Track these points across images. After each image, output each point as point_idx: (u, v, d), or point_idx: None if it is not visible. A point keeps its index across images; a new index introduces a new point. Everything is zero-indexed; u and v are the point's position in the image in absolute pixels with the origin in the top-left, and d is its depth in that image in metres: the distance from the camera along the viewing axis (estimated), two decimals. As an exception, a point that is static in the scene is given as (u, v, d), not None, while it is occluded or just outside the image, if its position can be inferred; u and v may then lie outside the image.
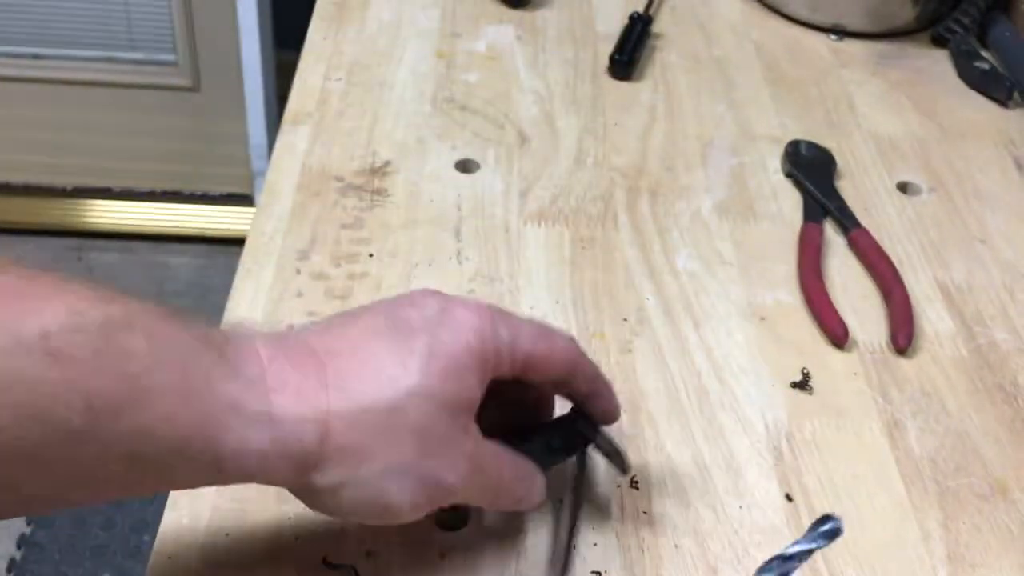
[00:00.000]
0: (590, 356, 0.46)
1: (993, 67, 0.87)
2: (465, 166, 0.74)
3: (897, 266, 0.67)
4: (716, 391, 0.58)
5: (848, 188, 0.75)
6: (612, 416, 0.47)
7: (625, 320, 0.62)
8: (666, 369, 0.59)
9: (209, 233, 1.88)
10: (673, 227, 0.70)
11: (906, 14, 0.92)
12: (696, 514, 0.52)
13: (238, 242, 0.68)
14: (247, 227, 0.67)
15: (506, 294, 0.64)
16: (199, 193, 1.93)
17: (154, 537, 0.48)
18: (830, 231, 0.71)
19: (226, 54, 1.75)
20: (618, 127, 0.79)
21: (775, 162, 0.77)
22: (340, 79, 0.81)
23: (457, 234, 0.68)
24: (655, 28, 0.90)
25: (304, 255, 0.64)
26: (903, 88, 0.87)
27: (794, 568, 0.36)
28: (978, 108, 0.85)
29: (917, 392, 0.60)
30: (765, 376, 0.60)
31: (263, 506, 0.50)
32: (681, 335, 0.62)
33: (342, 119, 0.77)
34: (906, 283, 0.66)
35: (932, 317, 0.65)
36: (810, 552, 0.35)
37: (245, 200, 1.89)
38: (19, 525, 1.43)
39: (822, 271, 0.67)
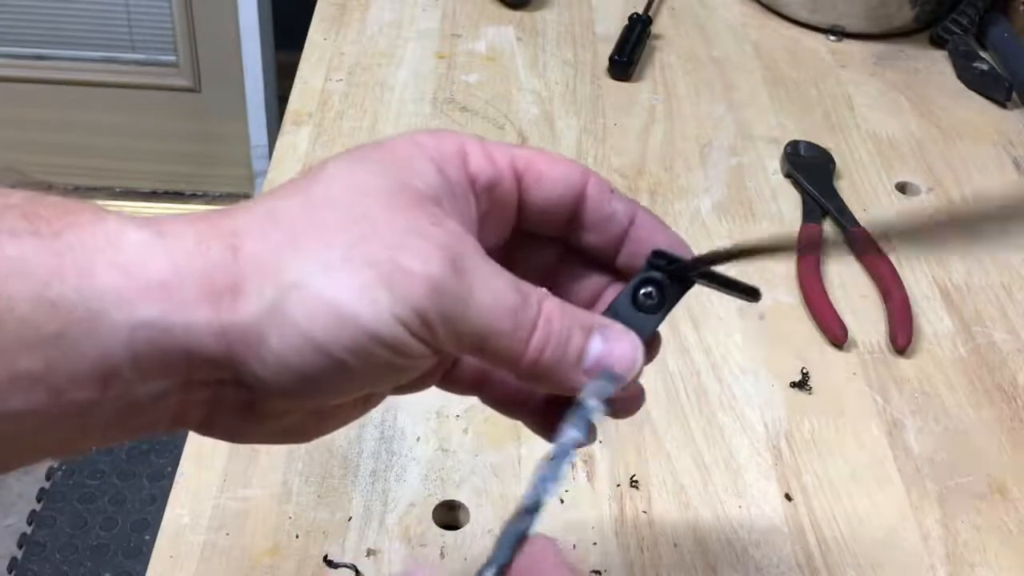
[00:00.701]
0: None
1: (992, 67, 0.87)
2: (465, 167, 0.74)
3: (896, 266, 0.67)
4: (715, 391, 0.59)
5: (847, 188, 0.75)
6: (676, 241, 0.37)
7: (625, 320, 0.63)
8: (665, 369, 0.60)
9: (210, 233, 1.88)
10: (672, 227, 0.69)
11: (905, 15, 0.92)
12: (696, 514, 0.52)
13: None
14: (248, 227, 0.67)
15: (506, 294, 0.64)
16: (200, 193, 1.93)
17: (155, 536, 0.48)
18: (829, 231, 0.71)
19: (227, 55, 1.75)
20: (617, 128, 0.79)
21: (774, 162, 0.77)
22: (341, 80, 0.81)
23: (457, 234, 0.68)
24: (654, 29, 0.90)
25: (305, 255, 0.65)
26: (902, 88, 0.87)
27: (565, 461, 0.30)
28: (977, 108, 0.85)
29: (916, 392, 0.60)
30: (764, 376, 0.60)
31: (263, 506, 0.50)
32: (680, 334, 0.62)
33: (343, 120, 0.77)
34: (905, 283, 0.66)
35: (931, 317, 0.65)
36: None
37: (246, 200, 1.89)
38: (20, 524, 1.43)
39: (821, 271, 0.67)
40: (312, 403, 0.32)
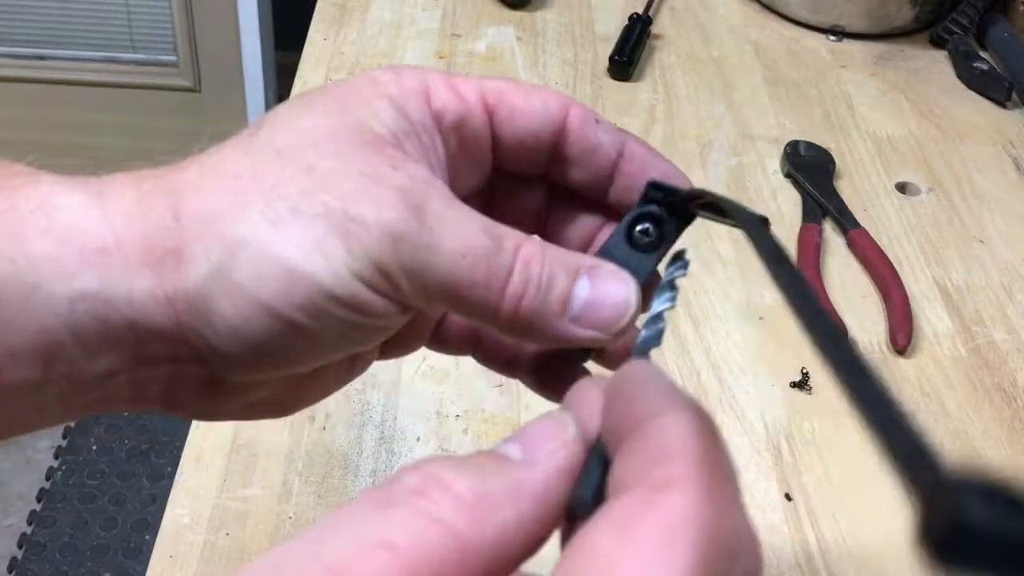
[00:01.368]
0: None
1: (992, 67, 0.87)
2: (465, 167, 0.74)
3: (896, 266, 0.67)
4: (715, 391, 0.59)
5: (847, 188, 0.75)
6: (672, 171, 0.33)
7: (624, 320, 0.63)
8: (665, 369, 0.59)
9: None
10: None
11: (905, 15, 0.92)
12: (695, 513, 0.52)
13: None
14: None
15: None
16: (200, 193, 1.93)
17: (155, 537, 0.48)
18: (829, 231, 0.71)
19: (227, 55, 1.75)
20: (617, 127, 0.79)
21: (774, 162, 0.77)
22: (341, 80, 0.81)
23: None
24: (654, 29, 0.90)
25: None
26: (902, 88, 0.87)
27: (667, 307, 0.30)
28: (977, 108, 0.85)
29: (916, 392, 0.60)
30: (764, 376, 0.60)
31: (263, 506, 0.50)
32: (680, 334, 0.62)
33: (342, 120, 0.77)
34: (905, 283, 0.66)
35: (931, 317, 0.65)
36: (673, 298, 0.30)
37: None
38: (20, 524, 1.43)
39: (821, 271, 0.67)
40: (275, 373, 0.29)
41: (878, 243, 0.69)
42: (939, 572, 0.12)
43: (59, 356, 0.26)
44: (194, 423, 0.53)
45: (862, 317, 0.64)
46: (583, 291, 0.28)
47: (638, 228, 0.32)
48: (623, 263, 0.30)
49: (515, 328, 0.28)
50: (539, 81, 0.83)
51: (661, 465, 0.20)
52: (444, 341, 0.35)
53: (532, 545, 0.21)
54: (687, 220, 0.32)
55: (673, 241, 0.32)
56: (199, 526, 0.49)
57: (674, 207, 0.32)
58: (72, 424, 1.54)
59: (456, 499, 0.20)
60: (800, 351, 0.62)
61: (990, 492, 0.12)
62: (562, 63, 0.86)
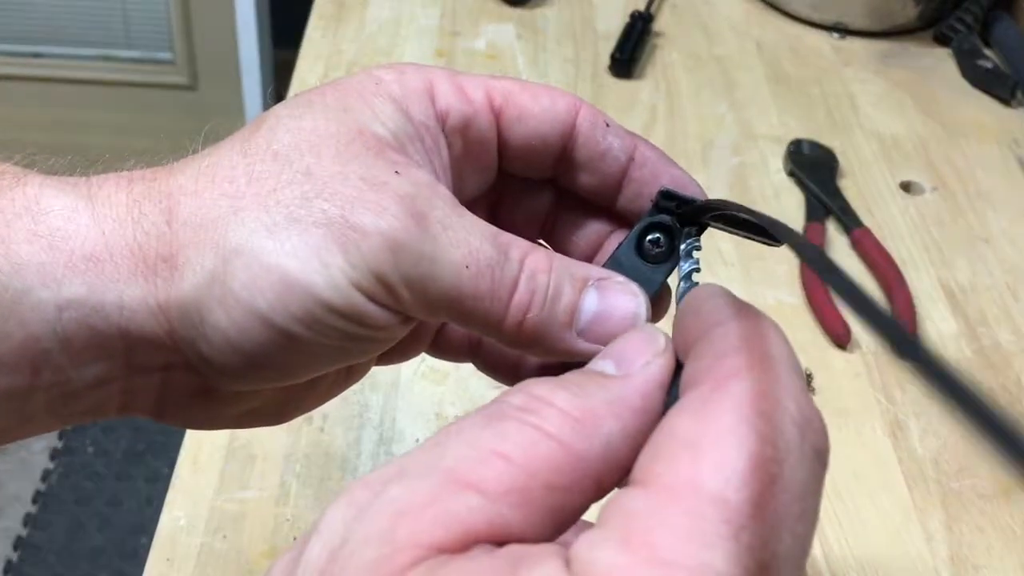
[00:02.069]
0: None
1: (996, 65, 0.87)
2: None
3: (900, 266, 0.67)
4: (718, 392, 0.58)
5: (850, 187, 0.74)
6: (684, 179, 0.32)
7: (626, 320, 0.62)
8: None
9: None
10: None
11: (908, 12, 0.92)
12: (698, 516, 0.51)
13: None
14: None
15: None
16: (197, 192, 1.93)
17: (151, 539, 0.48)
18: (832, 231, 0.71)
19: (224, 52, 1.75)
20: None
21: (777, 162, 0.76)
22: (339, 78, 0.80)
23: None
24: (656, 27, 0.89)
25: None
26: (905, 87, 0.86)
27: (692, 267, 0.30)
28: (981, 107, 0.85)
29: (920, 393, 0.59)
30: (767, 377, 0.59)
31: (261, 508, 0.49)
32: (683, 335, 0.61)
33: (341, 117, 0.76)
34: (909, 283, 0.65)
35: (935, 317, 0.64)
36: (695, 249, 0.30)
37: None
38: (16, 527, 1.42)
39: (824, 271, 0.66)
40: (269, 384, 0.28)
41: (882, 243, 0.69)
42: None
43: (47, 364, 0.25)
44: (190, 424, 0.52)
45: (866, 317, 0.64)
46: (591, 304, 0.28)
47: (648, 238, 0.31)
48: (632, 274, 0.29)
49: (519, 341, 0.27)
50: (539, 79, 0.82)
51: (727, 358, 0.22)
52: (444, 348, 0.34)
53: (635, 455, 0.22)
54: (699, 231, 0.31)
55: (687, 253, 0.31)
56: (196, 528, 0.48)
57: (685, 217, 0.31)
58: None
59: (562, 414, 0.21)
60: (804, 352, 0.61)
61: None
62: (563, 61, 0.85)
